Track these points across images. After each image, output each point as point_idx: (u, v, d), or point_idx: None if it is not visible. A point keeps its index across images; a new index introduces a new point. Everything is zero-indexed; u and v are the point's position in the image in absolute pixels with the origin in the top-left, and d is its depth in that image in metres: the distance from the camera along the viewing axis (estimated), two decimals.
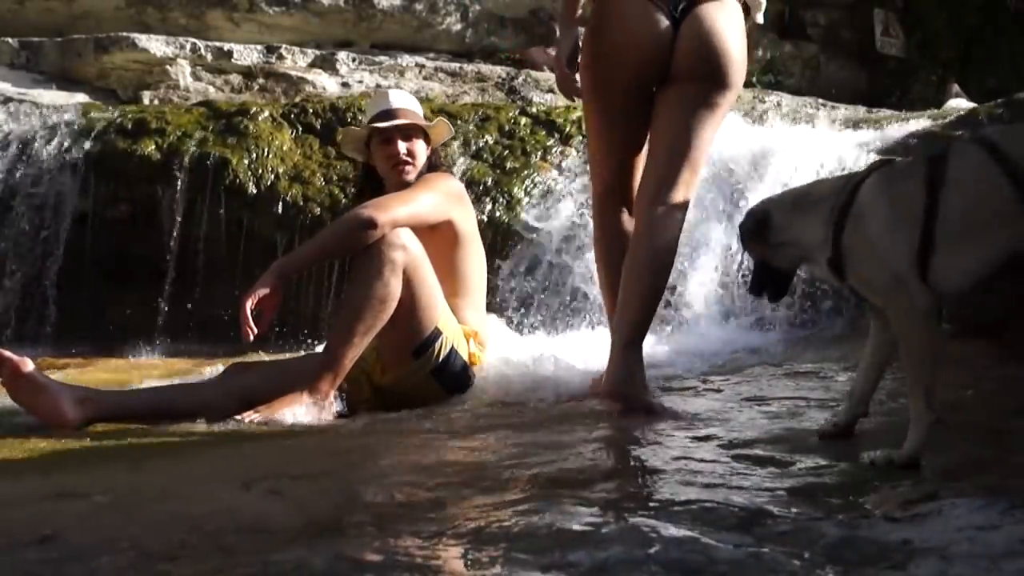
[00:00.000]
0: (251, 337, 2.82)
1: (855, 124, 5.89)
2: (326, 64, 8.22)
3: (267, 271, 2.92)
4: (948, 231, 1.82)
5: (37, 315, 5.37)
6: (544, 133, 5.82)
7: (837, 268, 1.95)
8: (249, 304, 2.83)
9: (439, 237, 3.14)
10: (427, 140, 3.32)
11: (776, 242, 2.03)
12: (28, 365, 2.83)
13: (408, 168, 3.21)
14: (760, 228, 2.04)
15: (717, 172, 5.11)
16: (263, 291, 2.87)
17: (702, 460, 2.01)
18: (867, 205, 1.89)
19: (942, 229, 1.82)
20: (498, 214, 5.28)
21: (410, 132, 3.25)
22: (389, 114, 3.25)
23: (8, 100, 6.36)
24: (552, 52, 9.65)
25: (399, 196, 3.12)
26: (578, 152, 5.60)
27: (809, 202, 2.01)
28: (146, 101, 7.32)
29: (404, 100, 3.39)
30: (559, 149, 5.71)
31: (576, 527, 1.42)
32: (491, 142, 5.71)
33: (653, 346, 3.83)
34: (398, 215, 2.99)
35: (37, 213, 5.45)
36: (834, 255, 1.93)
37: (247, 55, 7.97)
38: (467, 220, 3.26)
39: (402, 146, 3.21)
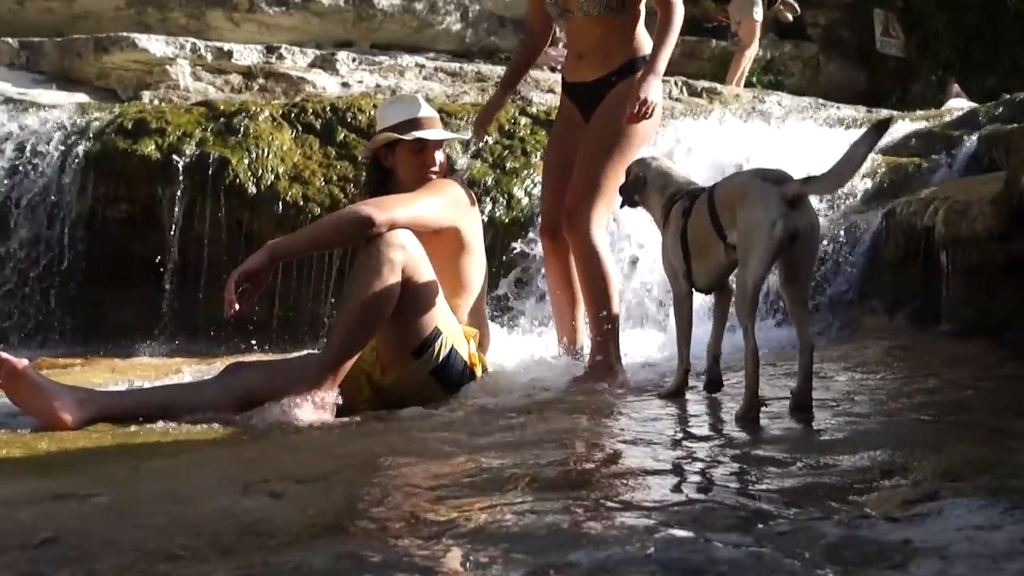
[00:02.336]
0: (232, 313, 2.80)
1: (855, 124, 5.89)
2: (326, 64, 8.20)
3: (259, 250, 2.91)
4: (693, 246, 2.66)
5: (37, 315, 5.37)
6: (544, 133, 5.80)
7: None
8: (235, 279, 2.83)
9: (442, 240, 3.14)
10: None
11: (641, 196, 2.93)
12: (26, 367, 2.82)
13: (439, 176, 3.25)
14: (637, 182, 2.93)
15: (716, 172, 5.11)
16: (252, 269, 2.86)
17: (702, 460, 2.01)
18: (671, 218, 2.76)
19: (691, 244, 2.67)
20: (498, 214, 5.28)
21: (442, 143, 3.30)
22: (425, 122, 3.27)
23: (8, 100, 6.35)
24: (552, 52, 9.67)
25: (402, 198, 3.11)
26: None
27: (665, 185, 2.85)
28: (146, 101, 7.30)
29: (430, 108, 3.42)
30: None
31: (576, 527, 1.42)
32: (491, 142, 5.71)
33: (653, 347, 3.84)
34: (397, 216, 2.98)
35: (37, 213, 5.45)
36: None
37: (247, 55, 7.96)
38: (472, 227, 3.26)
39: (439, 156, 3.26)
